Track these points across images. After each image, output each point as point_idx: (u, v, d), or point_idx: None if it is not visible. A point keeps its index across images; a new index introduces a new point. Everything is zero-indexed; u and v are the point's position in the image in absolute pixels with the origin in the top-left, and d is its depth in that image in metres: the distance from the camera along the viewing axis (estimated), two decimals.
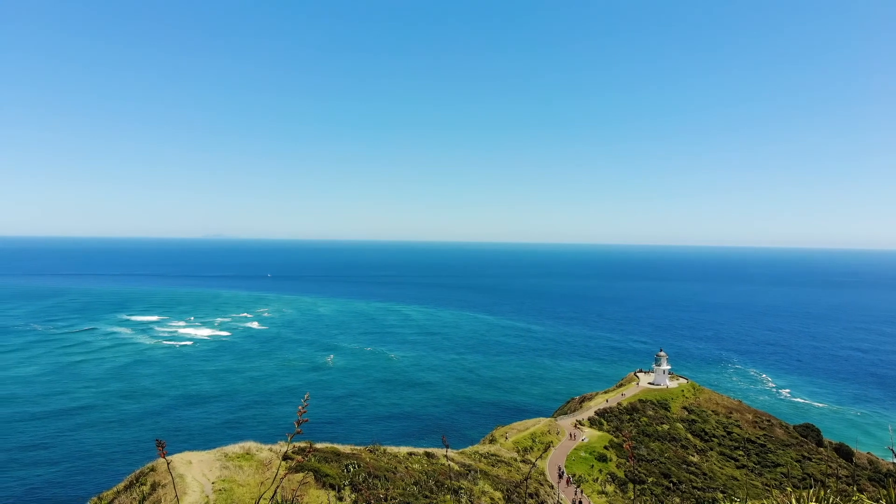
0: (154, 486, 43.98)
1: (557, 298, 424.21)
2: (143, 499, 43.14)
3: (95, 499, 50.22)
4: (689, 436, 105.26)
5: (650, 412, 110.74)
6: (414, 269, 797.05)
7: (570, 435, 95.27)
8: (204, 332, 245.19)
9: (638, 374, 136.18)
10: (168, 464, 16.74)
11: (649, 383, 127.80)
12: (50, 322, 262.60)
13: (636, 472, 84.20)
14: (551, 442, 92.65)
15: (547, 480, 75.17)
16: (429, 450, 68.79)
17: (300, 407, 15.59)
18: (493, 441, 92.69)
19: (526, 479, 68.27)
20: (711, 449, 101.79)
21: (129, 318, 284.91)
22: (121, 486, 49.11)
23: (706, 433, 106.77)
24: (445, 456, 65.88)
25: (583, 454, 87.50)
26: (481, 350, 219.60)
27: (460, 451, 79.05)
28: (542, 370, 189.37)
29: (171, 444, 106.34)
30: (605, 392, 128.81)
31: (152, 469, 47.73)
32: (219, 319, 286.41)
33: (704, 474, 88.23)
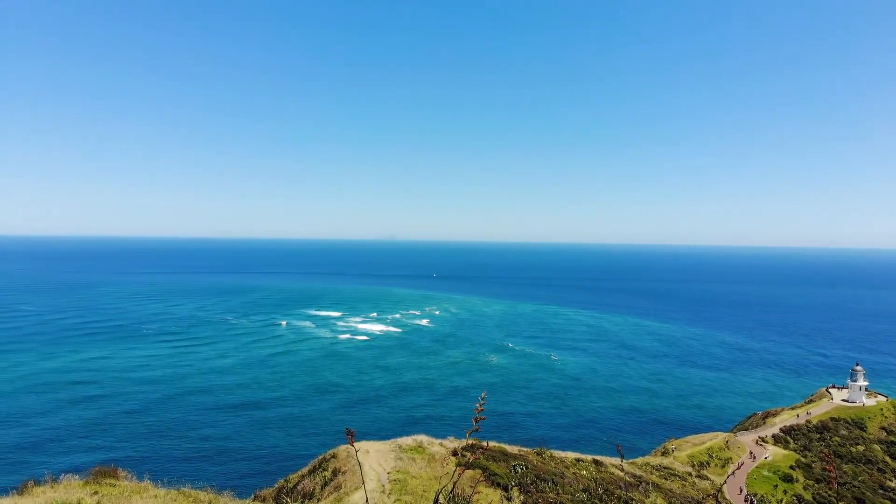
0: (335, 472, 46.87)
1: (730, 306, 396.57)
2: (325, 483, 46.14)
3: (282, 481, 54.59)
4: (888, 459, 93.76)
5: (843, 431, 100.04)
6: (573, 271, 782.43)
7: (751, 452, 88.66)
8: (378, 328, 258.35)
9: (830, 391, 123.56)
10: (357, 452, 17.64)
11: (843, 400, 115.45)
12: (245, 316, 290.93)
13: (830, 495, 76.39)
14: (730, 458, 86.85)
15: (726, 499, 70.44)
16: (597, 457, 67.15)
17: (477, 405, 15.67)
18: (665, 453, 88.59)
19: (710, 496, 64.37)
20: None
21: (316, 313, 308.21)
22: (305, 470, 52.93)
23: None
24: (621, 466, 63.97)
25: (766, 473, 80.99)
26: (648, 358, 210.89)
27: (630, 461, 76.46)
28: (717, 382, 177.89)
29: (343, 433, 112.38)
30: (792, 408, 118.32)
31: (333, 456, 50.91)
32: (391, 316, 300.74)
33: None
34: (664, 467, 75.39)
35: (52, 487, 32.49)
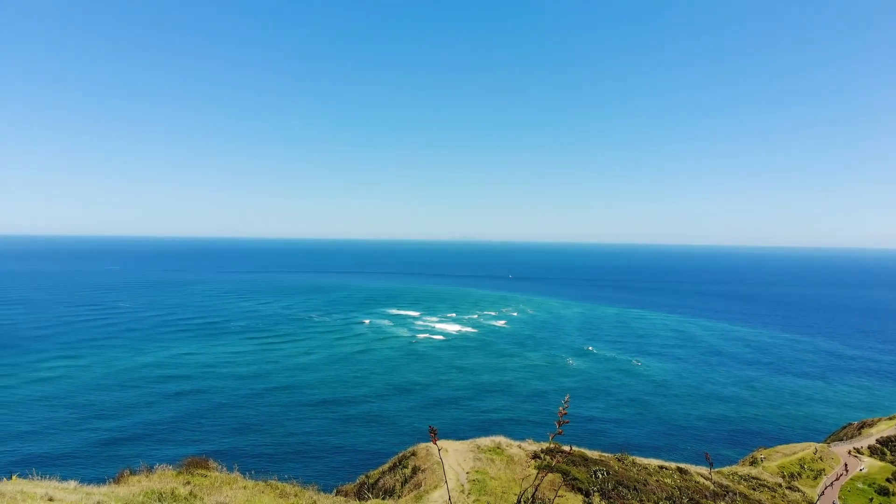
0: (415, 470, 47.33)
1: (824, 310, 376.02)
2: (405, 480, 46.65)
3: (363, 476, 55.64)
4: None
5: None
6: (650, 273, 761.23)
7: (845, 464, 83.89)
8: (455, 328, 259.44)
9: None
10: (439, 451, 17.70)
11: None
12: (327, 314, 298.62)
13: None
14: (822, 469, 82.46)
15: None
16: (681, 465, 65.11)
17: (560, 408, 15.38)
18: (754, 463, 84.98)
19: None
20: None
21: (395, 312, 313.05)
22: (385, 467, 53.75)
23: None
24: (707, 475, 61.81)
25: (860, 486, 76.33)
26: (737, 364, 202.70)
27: (716, 470, 73.67)
28: (810, 390, 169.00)
29: (422, 432, 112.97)
30: (890, 418, 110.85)
31: (413, 454, 51.45)
32: (468, 316, 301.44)
33: None
34: (752, 477, 72.27)
35: (146, 477, 34.17)
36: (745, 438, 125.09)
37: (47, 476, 28.68)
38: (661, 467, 60.92)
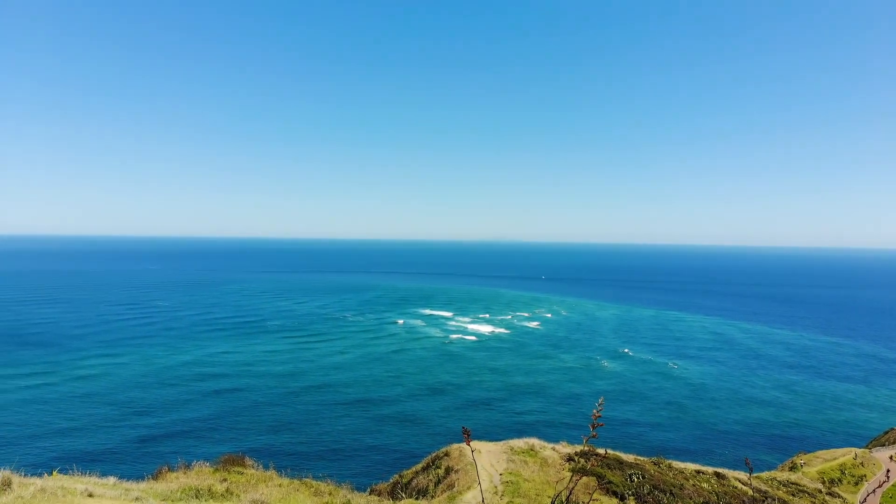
0: (448, 471, 47.29)
1: (867, 313, 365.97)
2: (439, 481, 46.65)
3: (397, 476, 55.83)
4: None
5: None
6: (686, 274, 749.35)
7: (887, 470, 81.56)
8: (487, 329, 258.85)
9: None
10: (472, 452, 17.58)
11: None
12: (361, 314, 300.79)
13: None
14: (864, 475, 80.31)
15: None
16: (718, 469, 63.98)
17: (594, 411, 15.10)
18: (793, 468, 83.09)
19: None
20: None
21: (428, 312, 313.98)
22: (418, 467, 53.83)
23: None
24: (746, 480, 60.62)
25: None
26: (777, 367, 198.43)
27: (755, 475, 72.22)
28: (853, 394, 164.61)
29: (455, 432, 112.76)
30: None
31: (446, 454, 51.42)
32: (501, 317, 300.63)
33: None
34: (792, 483, 70.65)
35: (184, 473, 34.75)
36: (785, 443, 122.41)
37: (87, 472, 29.28)
38: (697, 472, 59.92)
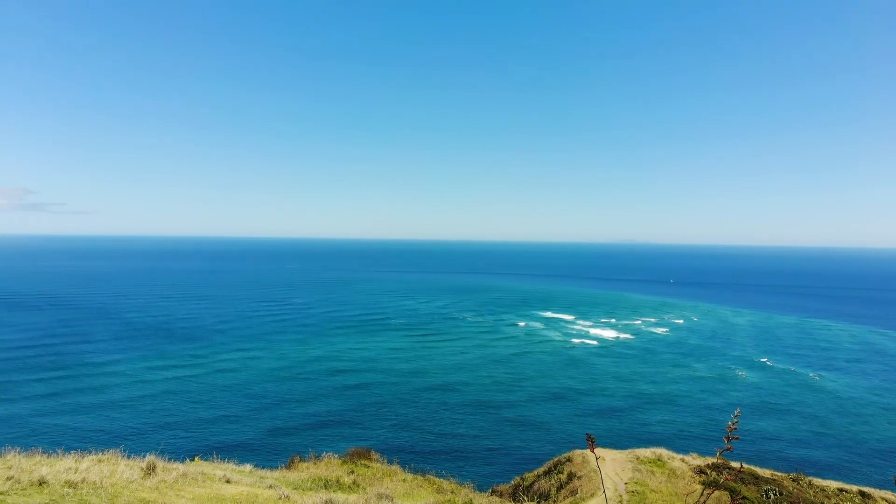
0: (570, 476, 46.32)
1: None
2: (561, 486, 45.79)
3: (518, 478, 55.44)
4: None
5: None
6: (829, 279, 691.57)
7: None
8: (611, 334, 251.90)
9: None
10: (596, 458, 16.94)
11: None
12: (481, 315, 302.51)
13: None
14: None
15: None
16: (863, 488, 58.60)
17: (730, 422, 14.04)
18: None
19: None
20: None
21: (549, 315, 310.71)
22: (540, 470, 53.13)
23: None
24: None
25: None
26: None
27: None
28: None
29: (577, 438, 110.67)
30: None
31: (568, 459, 50.41)
32: (625, 322, 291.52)
33: None
34: None
35: (314, 464, 36.25)
36: None
37: (225, 459, 31.20)
38: (840, 490, 55.16)
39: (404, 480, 32.73)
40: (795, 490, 48.34)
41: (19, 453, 25.72)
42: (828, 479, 63.71)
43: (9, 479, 19.05)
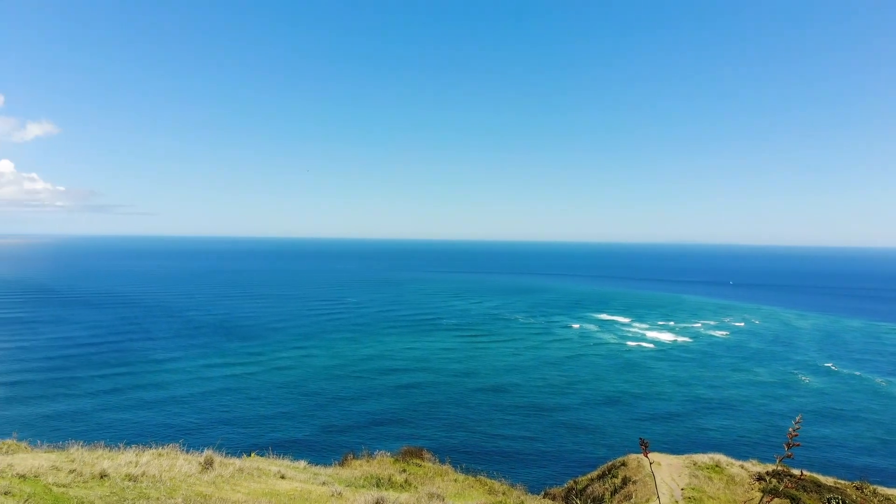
0: (625, 481, 45.48)
1: None
2: (615, 490, 45.00)
3: (572, 482, 54.81)
4: None
5: None
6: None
7: None
8: (668, 337, 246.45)
9: None
10: (650, 463, 16.49)
11: None
12: (534, 316, 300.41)
13: None
14: None
15: None
16: None
17: (791, 429, 13.50)
18: None
19: None
20: None
21: (604, 317, 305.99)
22: (594, 474, 52.41)
23: None
24: None
25: None
26: None
27: None
28: None
29: (632, 442, 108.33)
30: None
31: (623, 464, 49.54)
32: (683, 325, 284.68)
33: None
34: None
35: (367, 462, 36.59)
36: None
37: (281, 455, 31.80)
38: None
39: (456, 480, 32.68)
40: (859, 499, 46.40)
41: (82, 447, 26.78)
42: (893, 487, 60.92)
43: (71, 471, 19.83)
